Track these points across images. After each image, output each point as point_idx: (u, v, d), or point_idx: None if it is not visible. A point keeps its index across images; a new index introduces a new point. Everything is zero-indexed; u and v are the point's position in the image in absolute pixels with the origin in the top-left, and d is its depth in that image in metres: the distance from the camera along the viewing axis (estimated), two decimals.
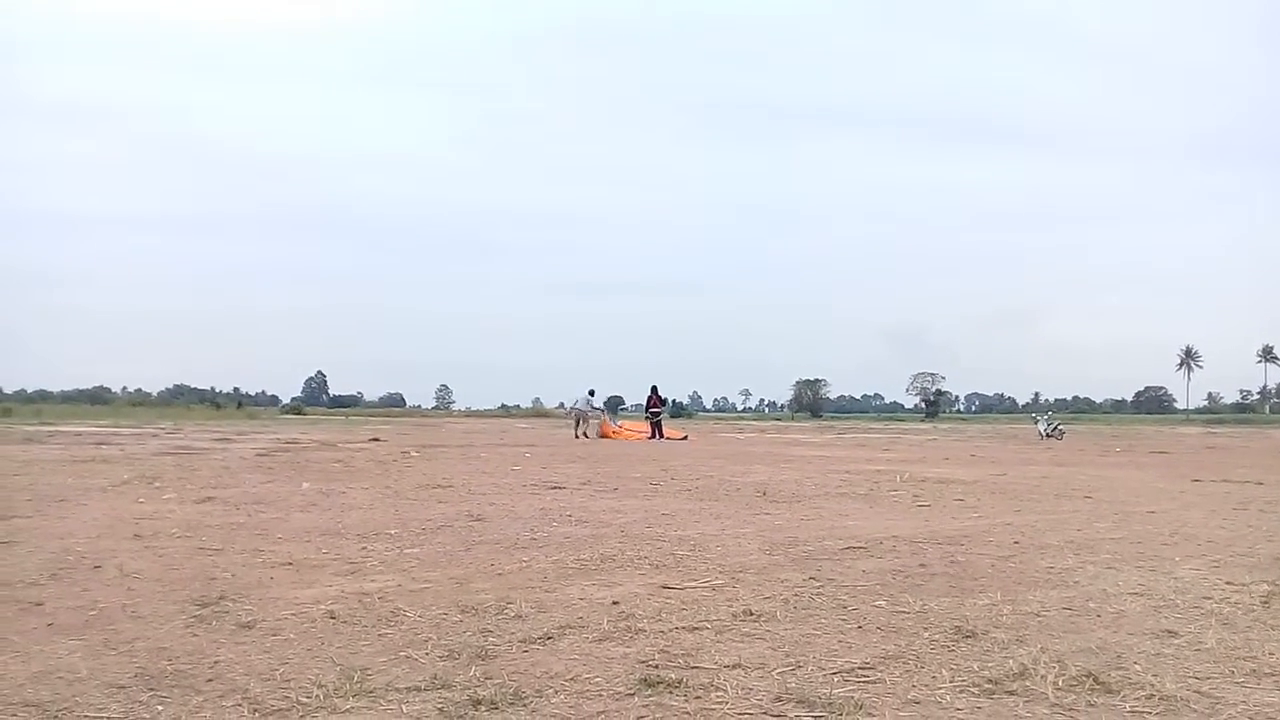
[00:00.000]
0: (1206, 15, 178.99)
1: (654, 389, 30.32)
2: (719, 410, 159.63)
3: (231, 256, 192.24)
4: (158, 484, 11.10)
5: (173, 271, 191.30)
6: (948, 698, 3.43)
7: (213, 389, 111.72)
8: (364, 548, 6.64)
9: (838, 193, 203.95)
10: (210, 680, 3.56)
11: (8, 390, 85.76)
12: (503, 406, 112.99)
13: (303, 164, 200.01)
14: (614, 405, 32.51)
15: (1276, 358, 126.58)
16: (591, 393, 30.72)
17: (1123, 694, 3.46)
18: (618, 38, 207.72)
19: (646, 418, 30.47)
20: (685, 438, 29.46)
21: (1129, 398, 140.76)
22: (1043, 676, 3.61)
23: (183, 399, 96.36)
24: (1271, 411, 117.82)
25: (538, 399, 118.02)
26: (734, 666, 3.76)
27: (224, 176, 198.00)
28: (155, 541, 6.83)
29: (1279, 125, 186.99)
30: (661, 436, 28.94)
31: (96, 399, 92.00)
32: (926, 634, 4.29)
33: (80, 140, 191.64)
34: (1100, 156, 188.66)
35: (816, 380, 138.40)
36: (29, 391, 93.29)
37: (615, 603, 4.89)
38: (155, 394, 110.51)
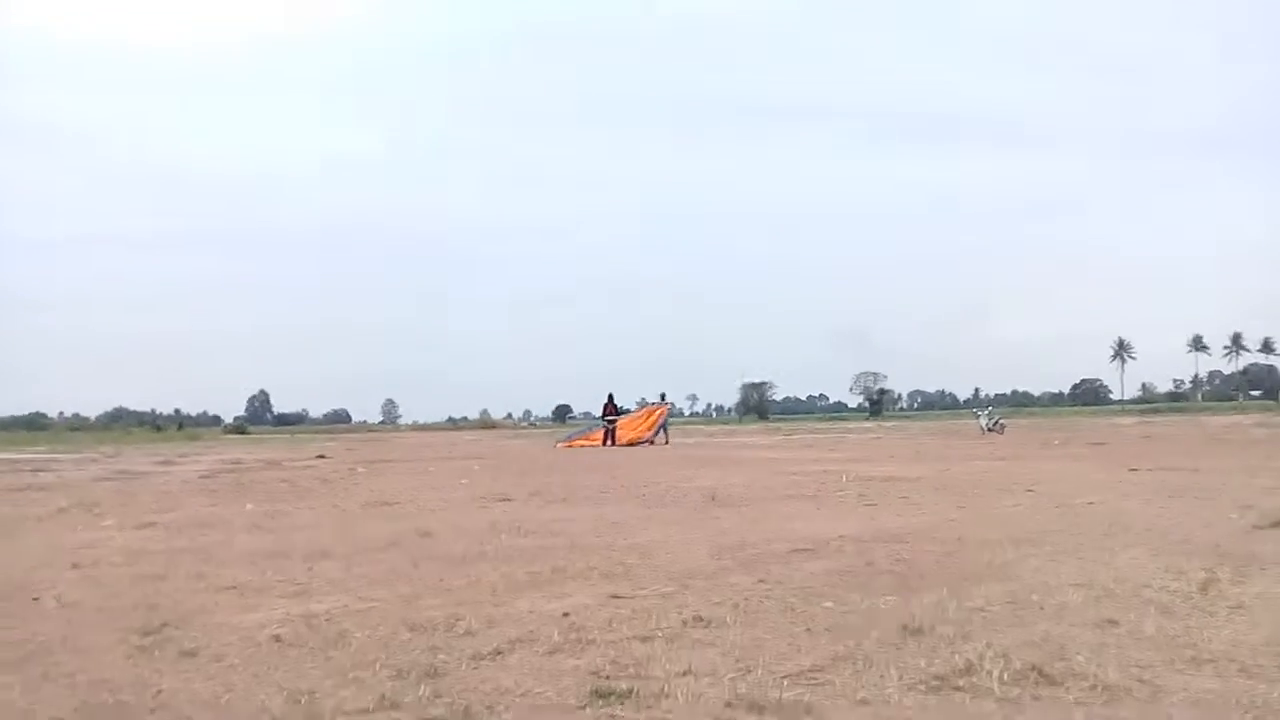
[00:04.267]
0: (1158, 12, 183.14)
1: (610, 396, 30.93)
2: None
3: (167, 275, 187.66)
4: (97, 510, 10.84)
5: (109, 292, 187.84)
6: (896, 696, 3.48)
7: (153, 411, 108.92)
8: (310, 568, 6.54)
9: (776, 192, 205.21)
10: (153, 710, 3.50)
11: None
12: (450, 419, 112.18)
13: (238, 180, 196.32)
14: (562, 414, 32.93)
15: (1206, 347, 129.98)
16: (663, 396, 34.20)
17: (1066, 685, 3.53)
18: (581, 40, 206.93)
19: (604, 425, 30.78)
20: (633, 444, 29.61)
21: (1066, 390, 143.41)
22: (988, 671, 3.67)
23: (122, 422, 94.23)
24: (1203, 400, 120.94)
25: (485, 410, 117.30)
26: (684, 674, 3.77)
27: (160, 195, 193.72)
28: (95, 570, 6.67)
29: (1209, 119, 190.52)
30: (614, 443, 29.15)
31: (33, 425, 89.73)
32: (874, 633, 4.34)
33: (13, 161, 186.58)
34: (1034, 152, 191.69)
35: (762, 382, 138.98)
36: None
37: (565, 614, 4.88)
38: (94, 418, 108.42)
